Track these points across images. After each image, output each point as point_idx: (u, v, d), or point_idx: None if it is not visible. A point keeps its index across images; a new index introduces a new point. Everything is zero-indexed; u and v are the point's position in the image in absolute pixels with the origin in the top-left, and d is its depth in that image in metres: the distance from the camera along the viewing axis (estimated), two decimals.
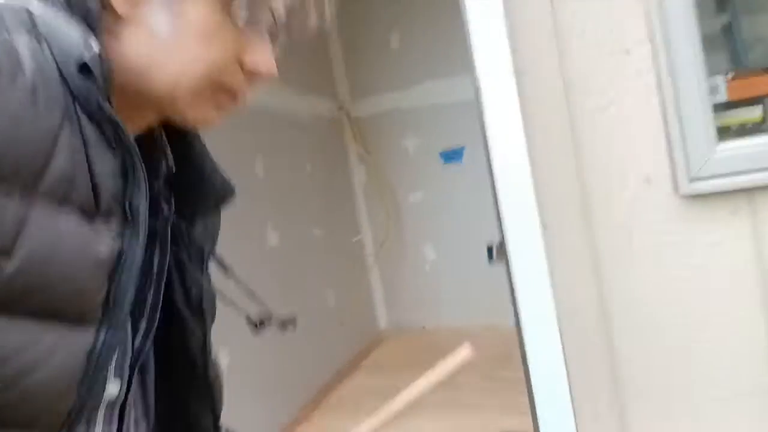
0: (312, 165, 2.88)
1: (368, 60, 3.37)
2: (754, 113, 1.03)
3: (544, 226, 1.02)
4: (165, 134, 0.64)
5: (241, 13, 0.52)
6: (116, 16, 0.53)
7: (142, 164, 0.52)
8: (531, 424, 1.92)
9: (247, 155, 2.31)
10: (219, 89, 0.53)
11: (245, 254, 2.18)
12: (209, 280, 0.70)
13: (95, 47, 0.50)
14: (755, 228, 0.92)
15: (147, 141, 0.61)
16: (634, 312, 1.00)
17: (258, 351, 2.12)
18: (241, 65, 0.53)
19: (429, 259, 3.37)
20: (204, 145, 0.66)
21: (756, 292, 0.93)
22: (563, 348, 1.01)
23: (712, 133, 0.95)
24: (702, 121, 0.95)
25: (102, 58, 0.50)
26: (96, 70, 0.49)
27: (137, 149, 0.52)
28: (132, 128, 0.57)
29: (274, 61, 0.54)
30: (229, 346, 1.95)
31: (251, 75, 0.54)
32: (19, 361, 0.47)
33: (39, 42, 0.50)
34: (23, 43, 0.49)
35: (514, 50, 1.00)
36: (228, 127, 2.13)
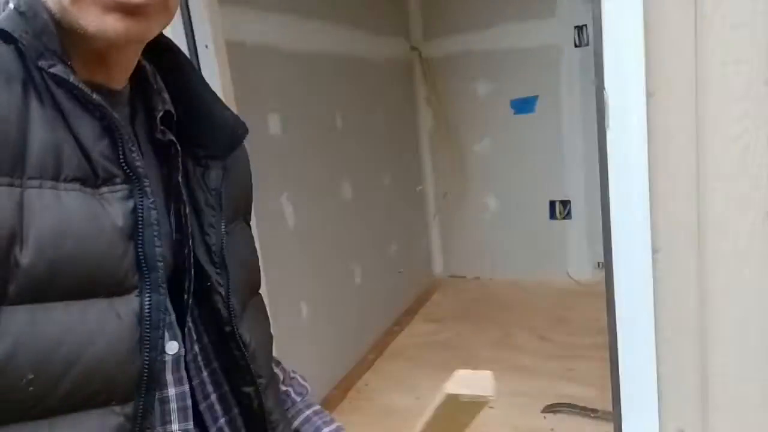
0: (384, 110, 2.87)
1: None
2: None
3: (655, 249, 1.04)
4: (159, 74, 0.62)
5: None
6: None
7: (119, 120, 0.50)
8: (585, 392, 2.01)
9: (328, 107, 2.32)
10: None
11: (324, 206, 2.26)
12: (243, 229, 0.68)
13: (11, 3, 0.47)
14: None
15: (141, 85, 0.60)
16: (735, 341, 1.03)
17: (330, 302, 2.25)
18: None
19: (490, 210, 3.39)
20: (207, 84, 0.64)
21: None
22: (657, 370, 1.06)
23: None
24: None
25: (19, 9, 0.47)
26: (21, 26, 0.46)
27: (105, 104, 0.50)
28: (121, 78, 0.56)
29: None
30: (306, 300, 2.08)
31: None
32: (73, 339, 0.47)
33: None
34: None
35: (648, 70, 0.97)
36: (310, 79, 2.13)
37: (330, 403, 2.13)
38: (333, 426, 0.74)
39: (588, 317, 2.70)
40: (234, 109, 1.62)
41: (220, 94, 1.48)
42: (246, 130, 0.64)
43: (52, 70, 0.47)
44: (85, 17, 0.48)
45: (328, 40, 2.30)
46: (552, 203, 3.25)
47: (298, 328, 2.05)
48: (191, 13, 1.38)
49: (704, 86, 0.96)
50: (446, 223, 3.49)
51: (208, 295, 0.59)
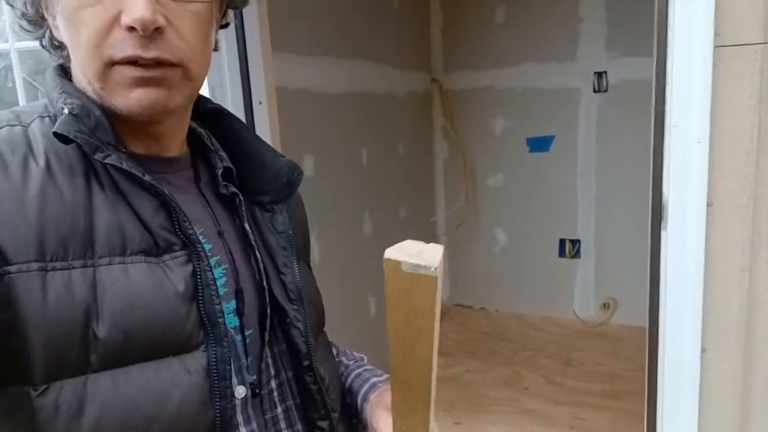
0: (404, 142, 2.90)
1: (469, 33, 3.26)
2: None
3: (703, 349, 1.07)
4: (215, 136, 0.69)
5: None
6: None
7: (171, 195, 0.56)
8: None
9: (355, 145, 2.35)
10: (115, 63, 0.53)
11: (347, 242, 2.28)
12: (307, 269, 0.73)
13: (66, 108, 0.53)
14: None
15: (200, 149, 0.67)
16: None
17: (346, 334, 2.27)
18: (120, 23, 0.52)
19: (500, 243, 3.43)
20: (258, 137, 0.70)
21: None
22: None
23: None
24: None
25: (73, 113, 0.53)
26: (75, 127, 0.52)
27: (156, 183, 0.55)
28: (174, 147, 0.63)
29: (143, 3, 0.50)
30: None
31: (129, 29, 0.51)
32: (150, 398, 0.52)
33: (52, 120, 0.55)
34: (36, 126, 0.55)
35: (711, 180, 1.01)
36: (340, 118, 2.17)
37: None
38: (382, 377, 0.77)
39: (595, 361, 2.75)
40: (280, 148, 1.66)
41: (270, 143, 1.51)
42: (301, 173, 0.70)
43: (107, 161, 0.53)
44: (115, 98, 0.54)
45: (357, 79, 2.33)
46: (562, 241, 3.30)
47: None
48: (249, 69, 1.41)
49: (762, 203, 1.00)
50: (456, 254, 3.53)
51: (286, 332, 0.65)
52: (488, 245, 3.45)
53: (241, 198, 0.67)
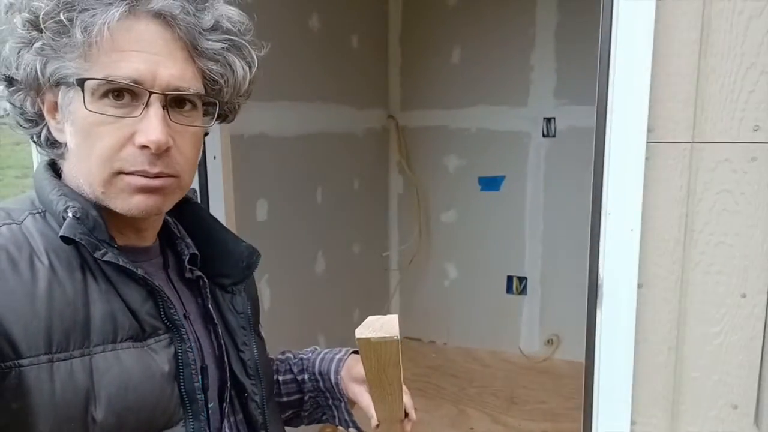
0: (359, 179, 2.93)
1: (426, 73, 3.34)
2: None
3: (633, 422, 1.14)
4: (182, 226, 0.75)
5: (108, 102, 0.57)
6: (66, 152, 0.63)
7: (159, 285, 0.62)
8: None
9: (310, 184, 2.36)
10: (124, 174, 0.59)
11: (298, 282, 2.28)
12: (260, 341, 0.79)
13: (69, 212, 0.59)
14: None
15: (167, 236, 0.73)
16: None
17: None
18: (134, 142, 0.58)
19: (450, 278, 3.50)
20: (219, 222, 0.77)
21: None
22: None
23: None
24: None
25: (77, 216, 0.58)
26: (79, 229, 0.57)
27: (147, 275, 0.61)
28: (151, 238, 0.69)
29: (158, 128, 0.58)
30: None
31: (142, 147, 0.58)
32: None
33: (43, 217, 0.61)
34: (30, 224, 0.60)
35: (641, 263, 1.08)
36: (296, 160, 2.17)
37: None
38: (341, 351, 0.88)
39: (538, 399, 2.83)
40: (231, 200, 1.64)
41: (222, 193, 1.50)
42: (259, 256, 0.77)
43: (105, 258, 0.58)
44: (115, 202, 0.61)
45: (315, 120, 2.35)
46: (510, 278, 3.40)
47: None
48: None
49: (687, 287, 1.08)
50: (407, 288, 3.57)
51: (244, 404, 0.72)
52: (439, 279, 3.51)
53: (205, 280, 0.73)
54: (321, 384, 0.87)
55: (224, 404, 0.70)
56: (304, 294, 2.33)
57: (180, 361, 0.62)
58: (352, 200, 2.84)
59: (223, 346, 0.71)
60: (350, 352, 0.88)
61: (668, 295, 1.10)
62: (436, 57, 3.30)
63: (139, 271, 0.61)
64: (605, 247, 1.10)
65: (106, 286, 0.60)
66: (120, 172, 0.59)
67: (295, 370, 0.90)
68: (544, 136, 3.18)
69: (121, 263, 0.59)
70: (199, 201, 1.37)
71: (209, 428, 0.66)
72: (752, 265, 1.04)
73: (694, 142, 1.05)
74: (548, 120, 3.16)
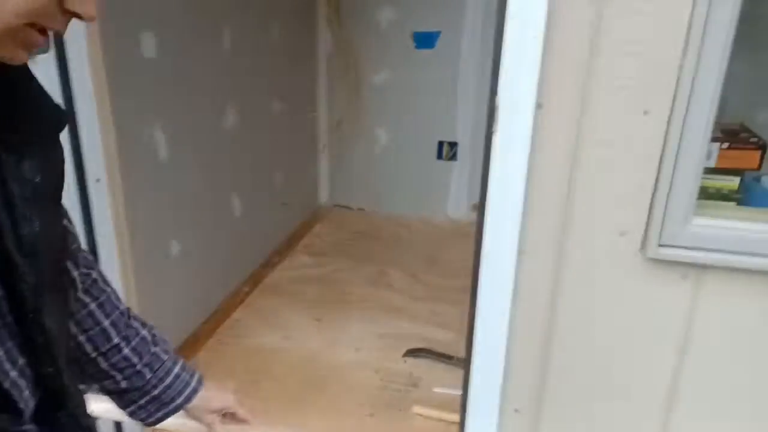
0: (280, 28, 2.65)
1: None
2: (732, 182, 1.11)
3: (521, 251, 1.10)
4: None
5: None
6: None
7: None
8: (447, 336, 2.18)
9: (213, 22, 2.09)
10: (34, 29, 0.51)
11: (203, 136, 2.10)
12: (56, 219, 0.69)
13: None
14: (695, 299, 1.06)
15: None
16: (577, 334, 1.15)
17: (205, 237, 2.16)
18: (62, 7, 0.51)
19: (380, 143, 3.38)
20: (28, 69, 0.62)
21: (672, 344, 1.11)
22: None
23: (693, 205, 1.03)
24: (688, 190, 1.01)
25: None
26: None
27: None
28: None
29: (94, 6, 0.52)
30: (178, 237, 1.98)
31: (70, 16, 0.52)
32: None
33: None
34: None
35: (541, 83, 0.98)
36: None
37: (198, 339, 2.11)
38: (194, 380, 0.85)
39: (459, 258, 2.87)
40: (97, 26, 1.40)
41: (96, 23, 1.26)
42: (66, 120, 0.65)
43: None
44: (2, 50, 0.50)
45: None
46: (440, 144, 3.31)
47: (167, 267, 1.96)
48: None
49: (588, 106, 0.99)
50: (336, 153, 3.44)
51: (13, 283, 0.60)
52: (369, 145, 3.39)
53: None
54: (153, 391, 0.81)
55: None
56: (210, 149, 2.16)
57: None
58: (269, 50, 2.58)
59: None
60: (199, 378, 0.85)
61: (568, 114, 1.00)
62: None
63: None
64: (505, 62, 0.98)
65: None
66: (35, 27, 0.50)
67: (128, 349, 0.81)
68: None
69: None
70: None
71: None
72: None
73: None
74: None
